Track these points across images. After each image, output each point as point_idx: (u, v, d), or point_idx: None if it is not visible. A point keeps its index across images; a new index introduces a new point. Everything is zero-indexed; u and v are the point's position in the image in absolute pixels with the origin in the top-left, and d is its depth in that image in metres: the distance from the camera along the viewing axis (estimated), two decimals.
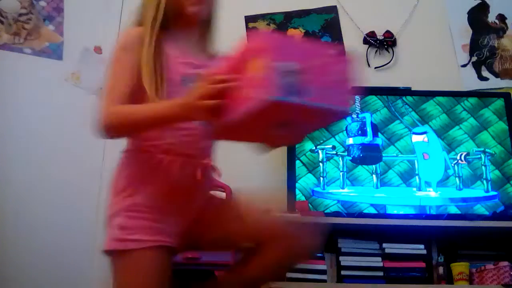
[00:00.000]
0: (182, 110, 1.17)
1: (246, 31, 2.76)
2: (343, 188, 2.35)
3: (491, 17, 2.79)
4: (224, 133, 1.23)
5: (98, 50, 2.70)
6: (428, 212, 2.31)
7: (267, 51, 1.05)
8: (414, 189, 2.36)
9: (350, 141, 2.40)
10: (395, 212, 2.32)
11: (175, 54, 1.36)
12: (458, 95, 2.49)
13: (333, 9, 2.82)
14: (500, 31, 2.78)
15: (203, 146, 1.38)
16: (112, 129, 1.26)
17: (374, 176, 2.37)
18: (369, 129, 2.41)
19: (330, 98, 1.09)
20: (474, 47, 2.74)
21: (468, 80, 2.69)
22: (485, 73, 2.70)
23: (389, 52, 2.74)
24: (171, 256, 1.30)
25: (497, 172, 2.38)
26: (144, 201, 1.27)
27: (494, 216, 2.25)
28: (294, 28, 2.81)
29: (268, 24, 2.81)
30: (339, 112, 1.15)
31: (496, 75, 2.70)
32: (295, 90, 1.03)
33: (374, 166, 2.38)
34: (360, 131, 2.41)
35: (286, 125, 1.15)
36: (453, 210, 2.32)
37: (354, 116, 2.41)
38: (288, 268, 1.69)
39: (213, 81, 1.12)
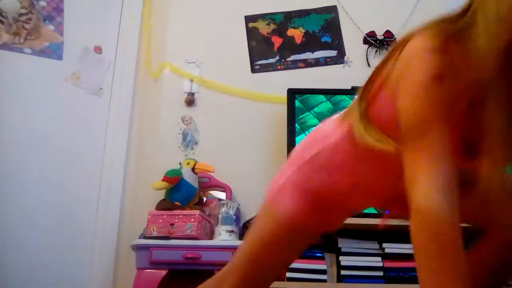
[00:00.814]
0: None
1: (246, 30, 2.76)
2: None
3: None
4: None
5: (98, 50, 2.70)
6: None
7: None
8: None
9: None
10: None
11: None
12: None
13: (333, 9, 2.82)
14: None
15: None
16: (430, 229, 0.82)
17: None
18: None
19: None
20: None
21: None
22: None
23: None
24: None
25: None
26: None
27: None
28: (294, 28, 2.82)
29: (268, 24, 2.81)
30: None
31: None
32: None
33: None
34: None
35: None
36: None
37: None
38: None
39: None
